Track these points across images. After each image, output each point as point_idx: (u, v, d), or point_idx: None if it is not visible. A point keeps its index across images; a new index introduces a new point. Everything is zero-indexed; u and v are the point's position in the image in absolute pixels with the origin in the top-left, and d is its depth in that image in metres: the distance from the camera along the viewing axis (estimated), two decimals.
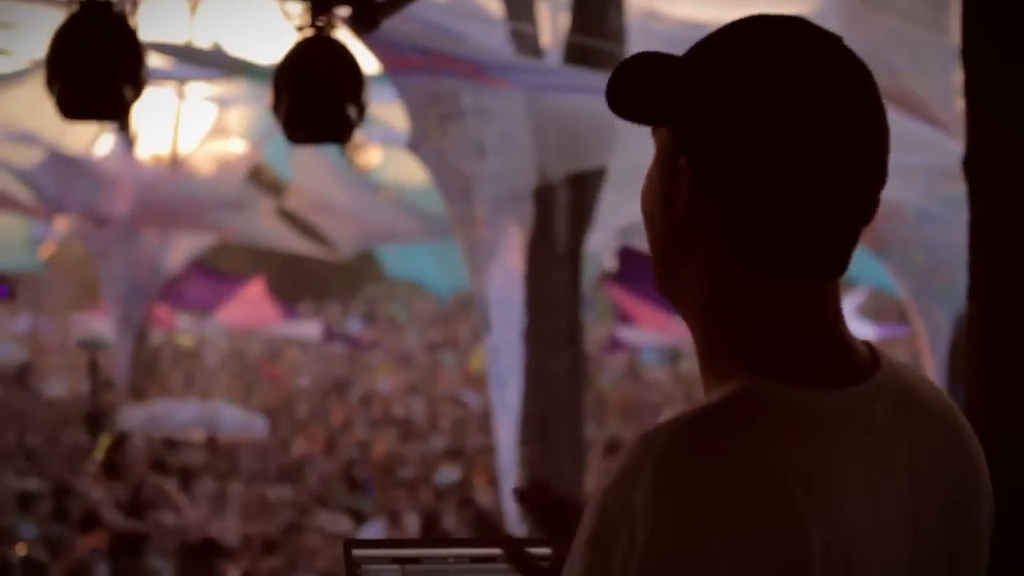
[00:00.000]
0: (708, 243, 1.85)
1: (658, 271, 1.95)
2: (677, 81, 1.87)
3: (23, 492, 15.77)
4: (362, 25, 4.90)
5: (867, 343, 1.95)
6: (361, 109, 4.94)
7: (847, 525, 1.78)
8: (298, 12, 4.80)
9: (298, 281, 42.47)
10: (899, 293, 15.81)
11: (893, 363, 1.95)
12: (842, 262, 1.88)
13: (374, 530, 13.90)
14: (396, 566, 2.99)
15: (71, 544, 12.87)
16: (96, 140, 25.05)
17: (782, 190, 1.80)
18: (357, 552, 3.03)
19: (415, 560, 3.03)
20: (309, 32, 4.75)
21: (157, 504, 14.76)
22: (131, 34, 4.64)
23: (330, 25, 4.73)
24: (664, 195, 1.88)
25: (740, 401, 1.80)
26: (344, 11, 4.77)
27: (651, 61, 1.92)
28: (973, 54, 4.12)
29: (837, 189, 1.82)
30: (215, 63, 19.96)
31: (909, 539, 1.85)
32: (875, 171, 1.86)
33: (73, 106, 4.58)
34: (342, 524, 12.69)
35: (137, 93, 4.65)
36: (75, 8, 4.58)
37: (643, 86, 1.90)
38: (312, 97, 4.80)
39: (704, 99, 1.84)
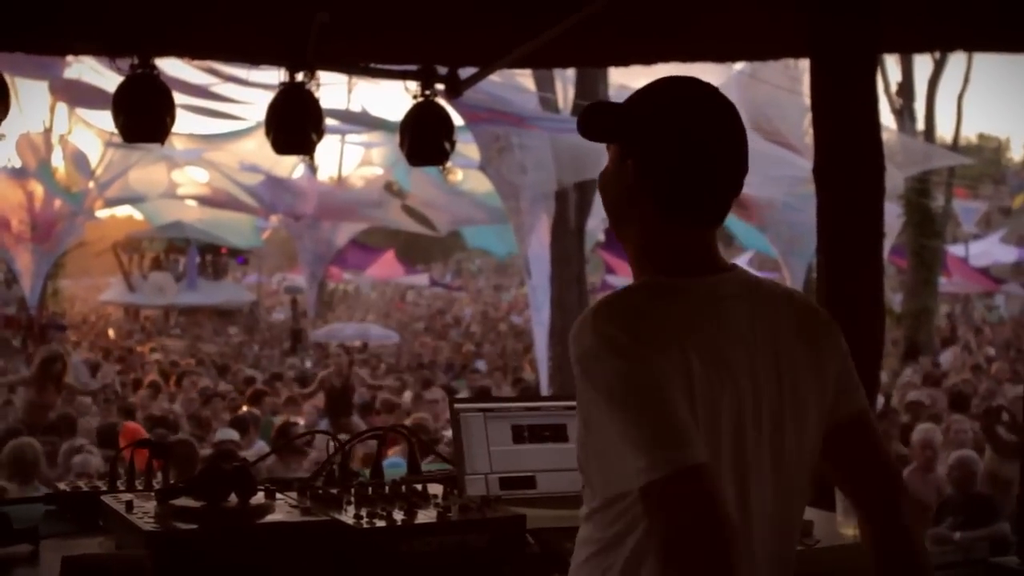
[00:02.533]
0: (642, 209, 1.93)
1: (614, 227, 2.02)
2: (623, 114, 1.96)
3: (248, 377, 15.66)
4: (451, 94, 4.88)
5: (733, 263, 2.01)
6: (452, 145, 4.94)
7: (711, 350, 1.83)
8: (414, 87, 4.78)
9: (414, 250, 42.32)
10: (773, 253, 15.83)
11: (747, 271, 2.01)
12: (719, 217, 1.96)
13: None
14: (480, 414, 3.04)
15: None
16: (294, 168, 25.06)
17: (687, 174, 1.89)
18: (457, 406, 3.07)
19: (491, 410, 3.07)
20: (420, 99, 4.73)
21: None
22: (315, 102, 4.64)
23: (433, 94, 4.72)
24: (616, 183, 1.96)
25: (641, 284, 1.93)
26: (440, 86, 4.77)
27: (604, 106, 2.06)
28: (818, 106, 4.11)
29: (717, 173, 1.92)
30: (363, 121, 19.96)
31: (748, 361, 1.86)
32: (738, 162, 1.94)
33: (282, 145, 4.58)
34: (439, 394, 12.56)
35: (319, 138, 4.66)
36: (282, 87, 4.57)
37: (600, 120, 2.01)
38: (423, 138, 4.78)
39: (639, 123, 1.93)
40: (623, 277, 31.37)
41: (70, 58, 21.34)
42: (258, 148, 22.88)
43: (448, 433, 4.72)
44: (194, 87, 15.06)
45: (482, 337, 26.83)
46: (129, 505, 2.54)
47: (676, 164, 1.88)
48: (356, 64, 4.83)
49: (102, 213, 30.21)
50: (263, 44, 4.45)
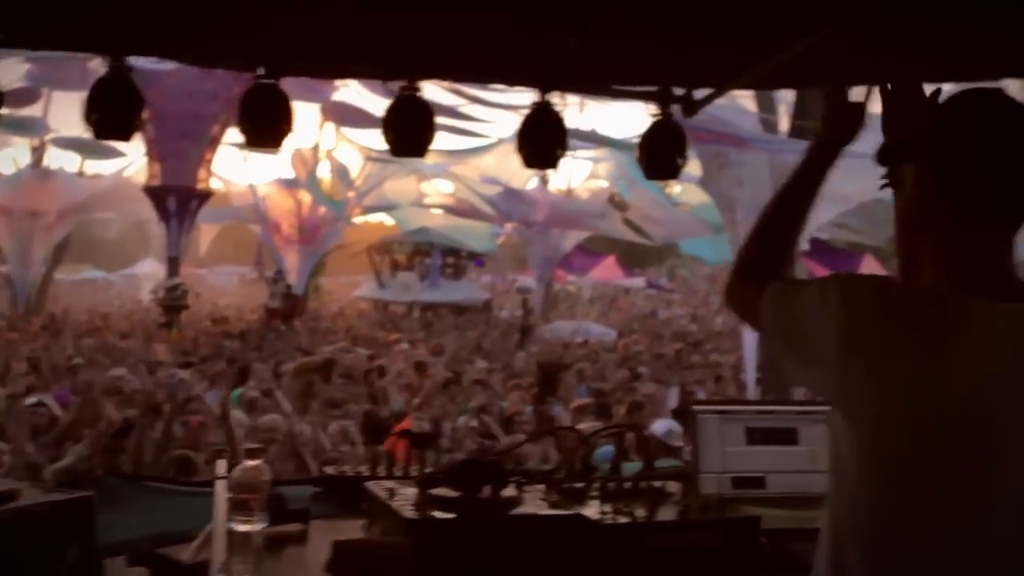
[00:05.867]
0: (939, 219, 1.72)
1: (907, 250, 1.79)
2: (923, 137, 1.77)
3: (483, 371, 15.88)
4: (687, 114, 4.75)
5: None
6: (685, 161, 4.82)
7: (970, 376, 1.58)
8: (651, 108, 4.67)
9: (633, 256, 42.12)
10: None
11: None
12: (1020, 219, 1.72)
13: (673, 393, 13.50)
14: (716, 415, 2.92)
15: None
16: (528, 180, 25.39)
17: (984, 172, 1.69)
18: (695, 407, 2.96)
19: (727, 412, 2.94)
20: (659, 117, 4.62)
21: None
22: (562, 121, 4.62)
23: (668, 114, 4.61)
24: (913, 200, 1.77)
25: (921, 287, 1.72)
26: (676, 106, 4.65)
27: (894, 145, 1.86)
28: None
29: (1014, 170, 1.69)
30: (593, 139, 19.98)
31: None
32: None
33: (533, 160, 4.57)
34: (651, 388, 12.32)
35: (563, 153, 4.63)
36: (534, 107, 4.54)
37: (897, 151, 1.83)
38: (660, 154, 4.68)
39: (951, 138, 1.74)
40: None
41: (338, 83, 22.36)
42: (497, 162, 23.37)
43: None
44: (443, 107, 15.48)
45: (693, 338, 26.41)
46: (391, 492, 2.53)
47: (974, 163, 1.69)
48: (601, 85, 4.75)
49: (359, 219, 31.48)
50: (518, 68, 4.43)
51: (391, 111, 4.31)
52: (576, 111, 21.22)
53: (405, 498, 2.47)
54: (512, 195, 23.57)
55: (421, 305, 35.06)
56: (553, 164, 4.45)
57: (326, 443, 6.62)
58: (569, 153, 23.50)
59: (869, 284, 1.69)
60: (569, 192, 28.12)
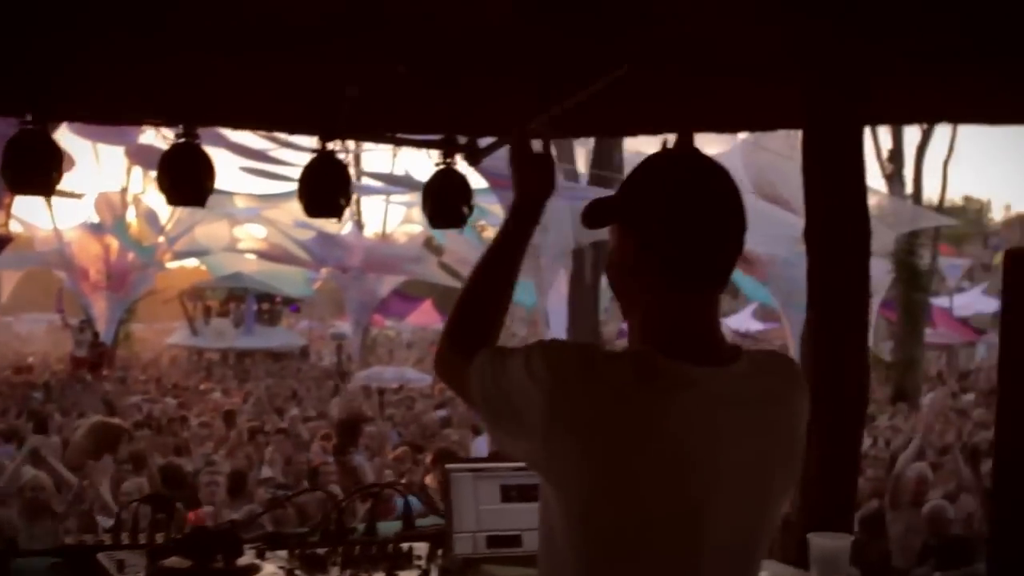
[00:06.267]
0: (645, 281, 1.69)
1: (622, 309, 1.79)
2: (620, 195, 1.76)
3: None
4: (472, 161, 4.78)
5: (736, 347, 1.74)
6: (470, 209, 4.81)
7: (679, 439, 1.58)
8: (436, 155, 4.67)
9: (450, 300, 41.98)
10: (775, 304, 15.71)
11: (752, 357, 1.72)
12: (724, 280, 1.72)
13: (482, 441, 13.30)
14: (469, 474, 2.86)
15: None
16: (343, 225, 25.16)
17: (684, 236, 1.67)
18: (448, 466, 2.89)
19: (481, 471, 2.89)
20: (441, 166, 4.61)
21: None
22: (344, 170, 4.54)
23: (453, 162, 4.60)
24: (620, 263, 1.75)
25: (626, 352, 1.67)
26: (460, 155, 4.66)
27: (601, 198, 1.83)
28: (809, 173, 3.97)
29: (713, 234, 1.69)
30: (406, 183, 19.97)
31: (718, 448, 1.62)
32: (738, 227, 1.71)
33: (314, 209, 4.47)
34: (467, 435, 12.26)
35: (347, 203, 4.55)
36: (315, 156, 4.48)
37: (599, 208, 1.80)
38: (444, 203, 4.66)
39: (634, 197, 1.74)
40: None
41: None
42: None
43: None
44: (254, 152, 15.16)
45: None
46: (120, 564, 2.42)
47: (673, 228, 1.67)
48: (383, 134, 4.71)
49: (170, 264, 30.43)
50: (298, 115, 4.35)
51: (165, 159, 4.16)
52: (388, 157, 21.23)
53: (135, 570, 2.35)
54: (326, 240, 23.22)
55: (236, 352, 34.21)
56: (336, 213, 4.37)
57: (111, 503, 6.27)
58: (382, 197, 23.42)
59: (574, 352, 1.64)
60: (385, 236, 28.00)
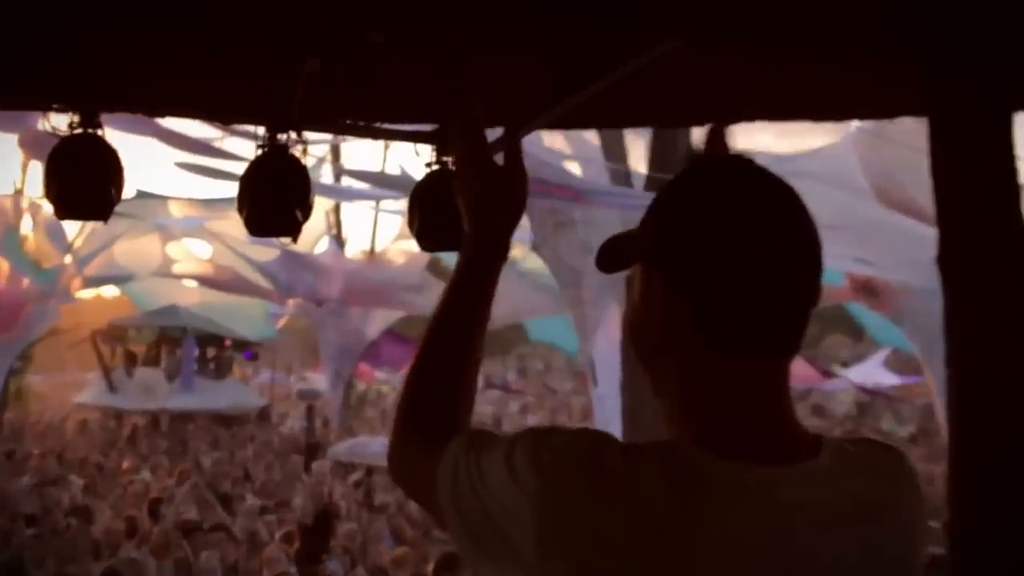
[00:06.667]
0: (681, 339, 1.67)
1: (649, 375, 1.77)
2: (646, 229, 1.74)
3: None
4: None
5: (818, 436, 1.70)
6: None
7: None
8: (427, 151, 4.68)
9: None
10: (912, 350, 15.64)
11: (837, 449, 1.68)
12: (792, 341, 1.67)
13: None
14: None
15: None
16: (317, 241, 25.28)
17: (737, 288, 1.63)
18: None
19: None
20: (435, 166, 4.62)
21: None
22: (303, 170, 4.57)
23: (447, 162, 4.61)
24: (644, 315, 1.73)
25: (651, 445, 1.60)
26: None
27: (620, 237, 1.82)
28: (938, 175, 3.99)
29: (778, 283, 1.64)
30: (402, 185, 20.04)
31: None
32: (808, 264, 1.67)
33: (258, 225, 4.49)
34: None
35: (306, 216, 4.56)
36: (260, 152, 4.52)
37: (617, 251, 1.80)
38: (438, 215, 4.64)
39: (662, 227, 1.72)
40: None
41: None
42: None
43: None
44: (194, 141, 15.14)
45: None
46: None
47: (717, 266, 1.64)
48: (355, 123, 4.71)
49: (81, 294, 30.59)
50: (236, 100, 4.37)
51: (53, 158, 4.21)
52: (378, 152, 21.36)
53: None
54: (294, 261, 23.22)
55: (170, 415, 34.37)
56: (288, 231, 4.38)
57: None
58: (370, 204, 23.46)
59: (575, 445, 1.59)
60: (373, 256, 28.01)
